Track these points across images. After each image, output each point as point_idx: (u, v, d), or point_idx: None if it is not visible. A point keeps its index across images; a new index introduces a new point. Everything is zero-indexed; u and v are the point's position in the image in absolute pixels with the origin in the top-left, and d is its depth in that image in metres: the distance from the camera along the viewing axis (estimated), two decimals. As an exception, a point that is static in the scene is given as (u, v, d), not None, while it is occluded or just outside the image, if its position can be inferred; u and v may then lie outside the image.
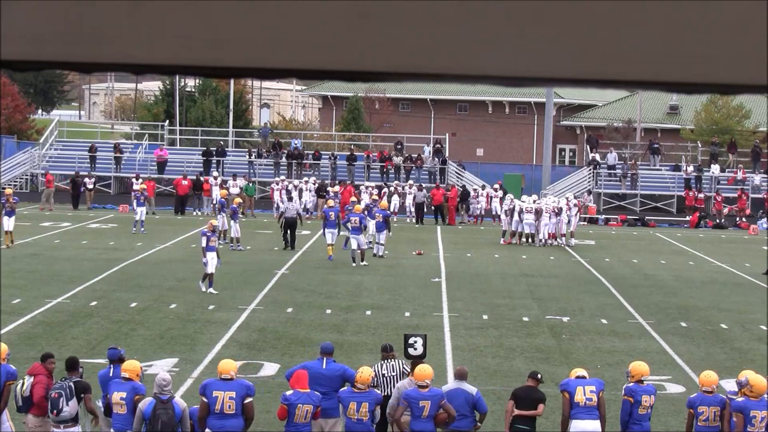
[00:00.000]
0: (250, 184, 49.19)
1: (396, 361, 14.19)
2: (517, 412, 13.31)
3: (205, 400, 12.73)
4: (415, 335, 14.77)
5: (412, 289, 27.92)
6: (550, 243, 39.04)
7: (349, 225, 32.75)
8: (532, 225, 39.22)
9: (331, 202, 37.46)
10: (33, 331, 21.33)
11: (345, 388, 13.36)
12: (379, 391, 13.43)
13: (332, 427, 13.57)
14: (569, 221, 39.93)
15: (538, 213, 39.20)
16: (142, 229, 39.45)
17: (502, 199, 44.47)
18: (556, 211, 39.55)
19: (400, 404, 13.06)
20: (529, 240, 39.42)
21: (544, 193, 48.40)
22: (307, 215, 45.26)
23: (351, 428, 13.04)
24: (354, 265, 31.89)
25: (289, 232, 35.46)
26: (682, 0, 1.48)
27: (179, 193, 48.51)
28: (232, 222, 35.07)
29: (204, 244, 26.35)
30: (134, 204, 40.49)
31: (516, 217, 39.44)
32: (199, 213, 48.25)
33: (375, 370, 13.83)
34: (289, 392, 12.98)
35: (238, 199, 37.55)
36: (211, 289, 26.09)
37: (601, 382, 13.70)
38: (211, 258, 26.14)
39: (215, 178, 49.01)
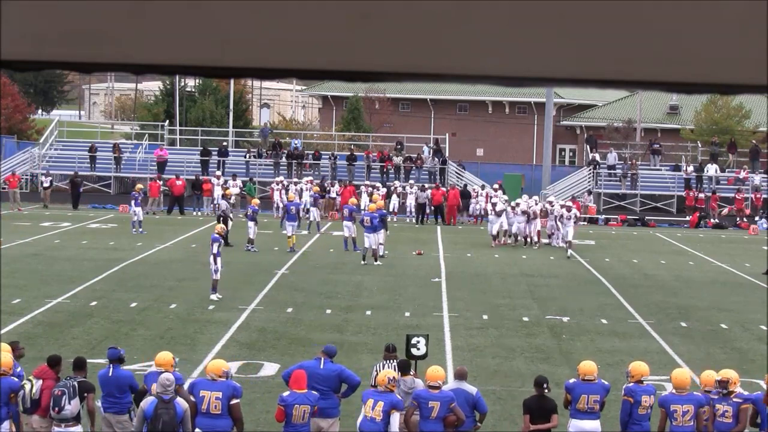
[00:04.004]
0: (250, 183, 49.26)
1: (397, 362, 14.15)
2: (533, 427, 13.23)
3: (192, 399, 12.74)
4: (417, 335, 14.76)
5: (412, 289, 27.92)
6: (538, 244, 38.70)
7: (363, 224, 33.37)
8: (521, 227, 38.77)
9: (292, 197, 38.73)
10: (33, 331, 21.33)
11: (371, 388, 13.29)
12: (400, 397, 13.28)
13: (330, 426, 13.56)
14: (561, 228, 38.58)
15: (529, 215, 38.77)
16: (141, 229, 39.44)
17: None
18: (544, 212, 39.11)
19: (409, 404, 13.05)
20: (517, 239, 39.05)
21: (544, 193, 48.38)
22: (307, 215, 45.26)
23: (364, 427, 12.96)
24: (363, 263, 32.01)
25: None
26: (682, 0, 1.48)
27: (174, 194, 48.59)
28: (250, 223, 35.06)
29: (215, 250, 25.44)
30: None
31: (505, 218, 38.84)
32: (199, 213, 48.25)
33: (376, 370, 13.81)
34: (286, 393, 12.97)
35: (256, 200, 37.60)
36: (216, 295, 25.30)
37: (607, 389, 13.61)
38: (220, 264, 25.37)
39: (218, 178, 48.99)
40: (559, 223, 38.43)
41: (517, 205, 39.13)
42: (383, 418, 12.90)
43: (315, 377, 13.49)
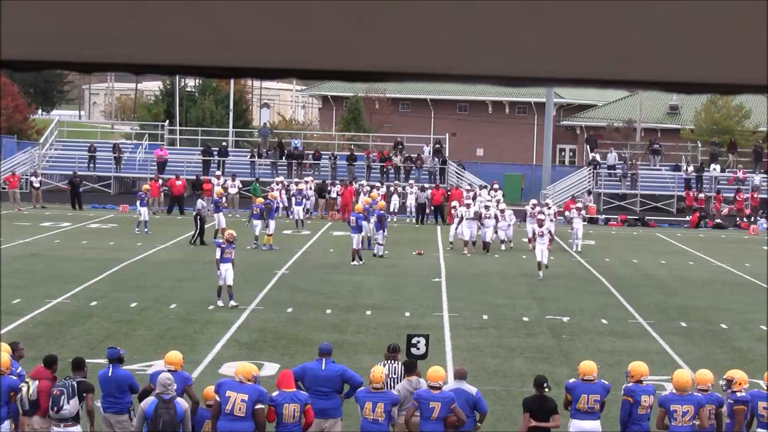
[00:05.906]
0: (256, 183, 49.30)
1: (399, 363, 14.15)
2: (533, 423, 13.20)
3: (217, 398, 12.69)
4: (417, 335, 14.77)
5: (412, 289, 27.92)
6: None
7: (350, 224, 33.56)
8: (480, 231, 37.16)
9: (274, 196, 40.05)
10: (33, 331, 21.32)
11: (362, 388, 13.34)
12: (396, 393, 13.34)
13: (332, 427, 13.57)
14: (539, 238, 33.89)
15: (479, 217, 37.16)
16: (146, 230, 39.42)
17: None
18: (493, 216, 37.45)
19: (410, 405, 13.06)
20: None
21: (544, 194, 48.35)
22: (308, 215, 45.35)
23: (366, 428, 12.98)
24: (362, 263, 32.14)
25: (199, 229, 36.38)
26: (682, 0, 1.48)
27: (174, 194, 48.62)
28: (256, 221, 35.45)
29: (218, 255, 24.67)
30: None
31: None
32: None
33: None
34: (274, 393, 12.96)
35: (260, 199, 37.73)
36: (232, 302, 24.37)
37: (607, 389, 13.60)
38: (226, 270, 24.37)
39: (218, 177, 48.96)
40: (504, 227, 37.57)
41: (502, 211, 38.42)
42: (386, 418, 12.94)
43: (317, 379, 13.51)
